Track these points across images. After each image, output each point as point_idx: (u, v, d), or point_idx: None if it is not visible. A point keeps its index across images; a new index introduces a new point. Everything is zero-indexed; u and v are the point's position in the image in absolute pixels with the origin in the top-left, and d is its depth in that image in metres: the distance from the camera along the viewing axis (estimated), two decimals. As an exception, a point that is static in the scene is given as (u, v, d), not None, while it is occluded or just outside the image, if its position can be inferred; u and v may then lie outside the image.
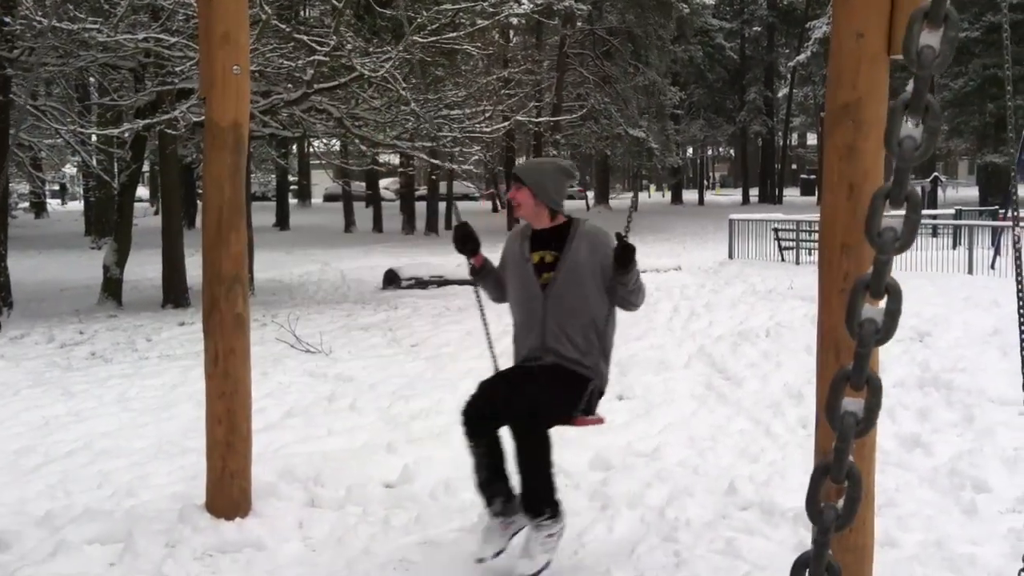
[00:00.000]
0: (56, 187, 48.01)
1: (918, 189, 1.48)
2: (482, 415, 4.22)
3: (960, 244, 18.83)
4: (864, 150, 3.47)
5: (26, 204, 41.29)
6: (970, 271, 16.48)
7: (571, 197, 54.61)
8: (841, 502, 1.50)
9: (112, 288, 15.02)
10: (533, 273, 4.32)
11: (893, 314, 1.45)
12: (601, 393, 4.40)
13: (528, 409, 4.08)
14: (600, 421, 4.46)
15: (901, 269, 16.28)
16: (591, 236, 4.32)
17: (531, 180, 4.33)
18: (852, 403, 1.49)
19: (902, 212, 1.48)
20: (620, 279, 4.15)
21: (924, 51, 1.43)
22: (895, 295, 1.46)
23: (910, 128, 1.44)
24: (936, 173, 33.97)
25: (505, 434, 4.21)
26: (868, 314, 1.46)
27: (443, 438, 6.59)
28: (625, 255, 4.07)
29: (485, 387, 4.35)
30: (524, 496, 4.15)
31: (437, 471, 5.72)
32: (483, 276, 4.66)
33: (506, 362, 4.66)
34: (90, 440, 6.75)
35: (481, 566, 4.28)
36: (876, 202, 1.46)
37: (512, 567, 4.17)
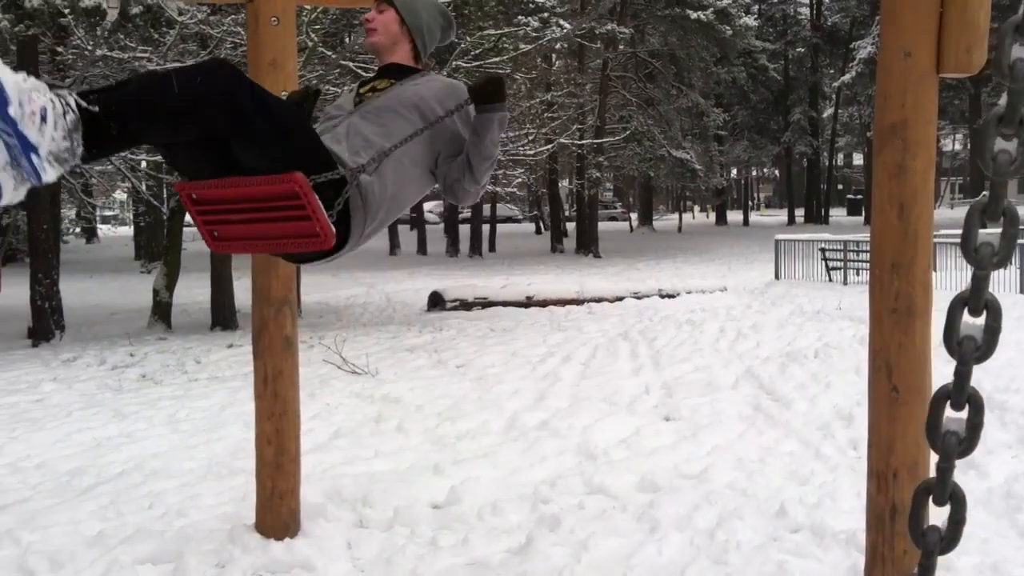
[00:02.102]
0: (107, 213, 48.75)
1: (1015, 205, 1.45)
2: None
3: (1012, 263, 18.55)
4: (913, 169, 3.45)
5: (77, 229, 41.98)
6: (1023, 290, 16.22)
7: (613, 218, 54.66)
8: (944, 524, 1.48)
9: (162, 311, 15.22)
10: (353, 94, 3.25)
11: (993, 330, 1.42)
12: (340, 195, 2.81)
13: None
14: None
15: (952, 288, 16.06)
16: (445, 81, 3.30)
17: (402, 2, 3.32)
18: (954, 422, 1.47)
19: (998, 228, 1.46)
20: (480, 126, 3.11)
21: (1017, 64, 1.41)
22: (995, 312, 1.43)
23: (1004, 143, 1.42)
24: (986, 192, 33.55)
25: None
26: (968, 331, 1.44)
27: (490, 459, 6.59)
28: (489, 85, 3.09)
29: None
30: None
31: (484, 492, 5.72)
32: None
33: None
34: (141, 461, 6.82)
35: (528, 574, 4.27)
36: (972, 217, 1.44)
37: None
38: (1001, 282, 16.61)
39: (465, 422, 7.77)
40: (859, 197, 56.08)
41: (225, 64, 2.61)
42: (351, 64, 13.41)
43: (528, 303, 16.66)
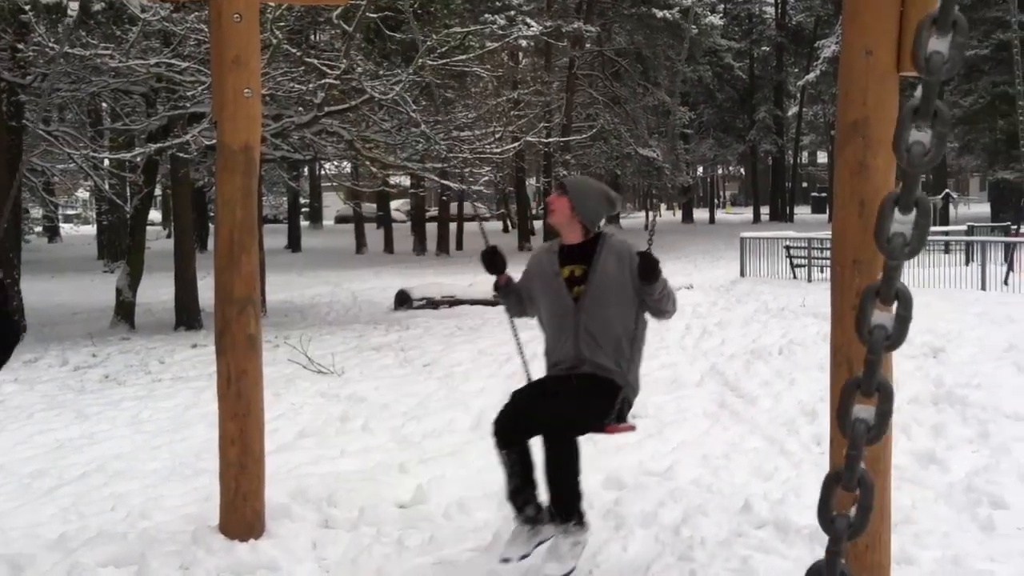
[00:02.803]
0: (70, 211, 48.21)
1: (927, 196, 1.47)
2: (515, 425, 4.28)
3: (973, 260, 18.76)
4: (874, 167, 3.48)
5: (39, 228, 41.49)
6: (983, 287, 16.42)
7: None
8: (854, 511, 1.50)
9: (125, 311, 15.09)
10: (564, 287, 4.44)
11: (903, 320, 1.44)
12: (630, 403, 4.51)
13: (560, 418, 4.18)
14: (631, 428, 4.59)
15: (915, 285, 16.23)
16: (617, 248, 4.41)
17: (575, 193, 4.46)
18: (864, 410, 1.49)
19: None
20: (647, 290, 4.29)
21: (933, 57, 1.43)
22: (905, 301, 1.45)
23: (919, 134, 1.44)
24: (947, 190, 33.88)
25: (535, 444, 4.27)
26: (879, 320, 1.46)
27: (457, 457, 6.59)
28: (648, 267, 4.23)
29: (517, 398, 4.44)
30: (554, 503, 4.22)
31: (450, 491, 5.71)
32: (506, 294, 4.79)
33: (535, 375, 4.74)
34: (103, 462, 6.76)
35: (495, 573, 4.26)
36: (885, 208, 1.46)
37: (537, 570, 4.22)
38: (962, 279, 16.80)
39: (431, 421, 7.75)
40: (823, 195, 56.54)
41: None
42: (316, 62, 13.34)
43: (495, 302, 16.60)
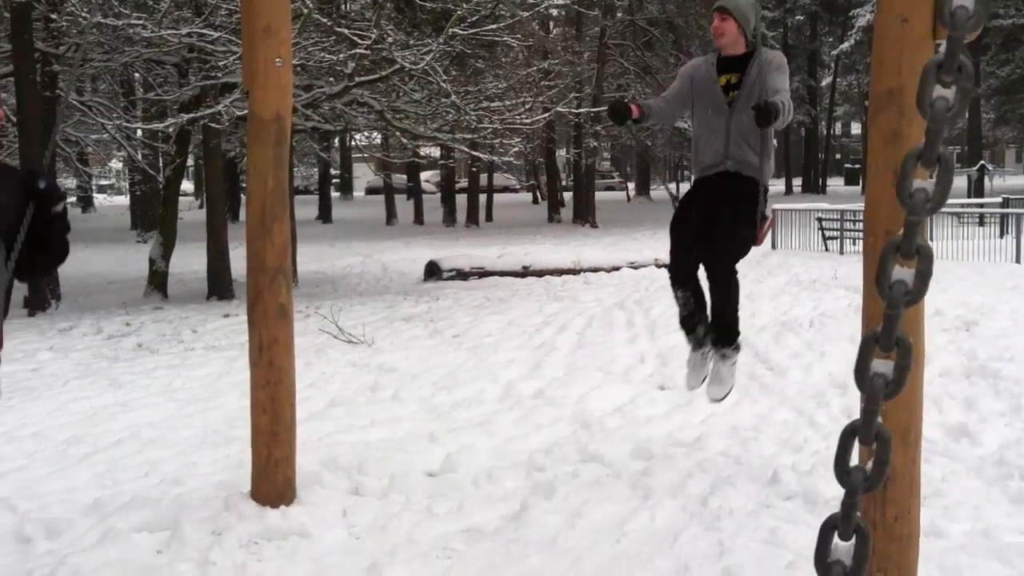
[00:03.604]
0: (103, 182, 48.59)
1: (950, 151, 1.46)
2: (685, 269, 5.15)
3: (1008, 233, 18.55)
4: (909, 136, 3.44)
5: (73, 198, 41.86)
6: (1018, 260, 16.24)
7: (611, 188, 54.59)
8: (870, 464, 1.50)
9: (158, 281, 15.22)
10: (721, 93, 5.14)
11: (924, 276, 1.44)
12: (767, 189, 5.19)
13: (720, 245, 5.03)
14: (770, 223, 5.30)
15: (948, 258, 16.08)
16: (763, 61, 5.06)
17: (738, 14, 5.08)
18: (882, 364, 1.49)
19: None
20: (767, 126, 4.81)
21: (958, 11, 1.43)
22: (926, 257, 1.45)
23: (943, 91, 1.43)
24: (983, 162, 33.47)
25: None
26: (899, 275, 1.46)
27: (485, 427, 6.62)
28: (763, 117, 4.66)
29: (678, 240, 5.19)
30: (716, 329, 5.21)
31: (479, 460, 5.75)
32: (644, 119, 5.26)
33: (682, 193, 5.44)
34: (137, 429, 6.85)
35: (520, 551, 4.30)
36: (908, 164, 1.46)
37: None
38: (996, 252, 16.63)
39: (461, 391, 7.79)
40: (857, 166, 55.98)
41: None
42: (347, 32, 13.32)
43: (524, 273, 16.65)
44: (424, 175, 43.37)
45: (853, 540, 1.49)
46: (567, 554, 4.41)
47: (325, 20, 13.40)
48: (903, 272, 1.46)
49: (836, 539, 1.50)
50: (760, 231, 5.14)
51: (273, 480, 5.00)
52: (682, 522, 4.75)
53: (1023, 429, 6.09)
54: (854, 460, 1.55)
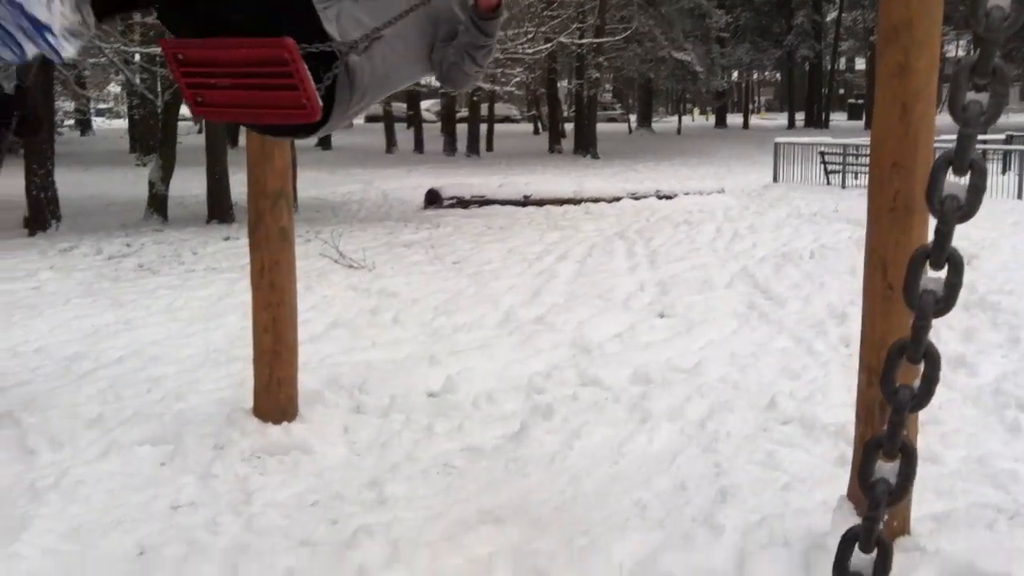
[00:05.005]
0: (102, 105, 48.22)
1: (982, 156, 1.43)
2: None
3: (1010, 169, 18.48)
4: (916, 69, 3.41)
5: (71, 121, 41.52)
6: (1020, 196, 16.20)
7: (612, 119, 54.18)
8: (917, 382, 1.50)
9: (157, 203, 15.17)
10: None
11: (977, 189, 1.42)
12: None
13: None
14: None
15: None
16: None
17: None
18: (932, 281, 1.48)
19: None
20: None
21: (993, 12, 1.38)
22: (980, 171, 1.43)
23: (974, 94, 1.39)
24: (988, 98, 33.23)
25: None
26: (950, 190, 1.44)
27: (485, 351, 6.66)
28: None
29: None
30: None
31: (479, 382, 5.80)
32: None
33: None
34: (139, 347, 6.88)
35: (519, 469, 4.35)
36: (937, 172, 1.42)
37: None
38: (999, 188, 16.58)
39: (461, 316, 7.81)
40: (860, 102, 55.48)
41: None
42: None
43: (525, 202, 16.60)
44: (424, 104, 42.99)
45: (899, 459, 1.50)
46: (565, 473, 4.47)
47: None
48: (954, 186, 1.44)
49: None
50: None
51: (276, 398, 5.05)
52: (680, 444, 4.80)
53: (1020, 361, 6.14)
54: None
